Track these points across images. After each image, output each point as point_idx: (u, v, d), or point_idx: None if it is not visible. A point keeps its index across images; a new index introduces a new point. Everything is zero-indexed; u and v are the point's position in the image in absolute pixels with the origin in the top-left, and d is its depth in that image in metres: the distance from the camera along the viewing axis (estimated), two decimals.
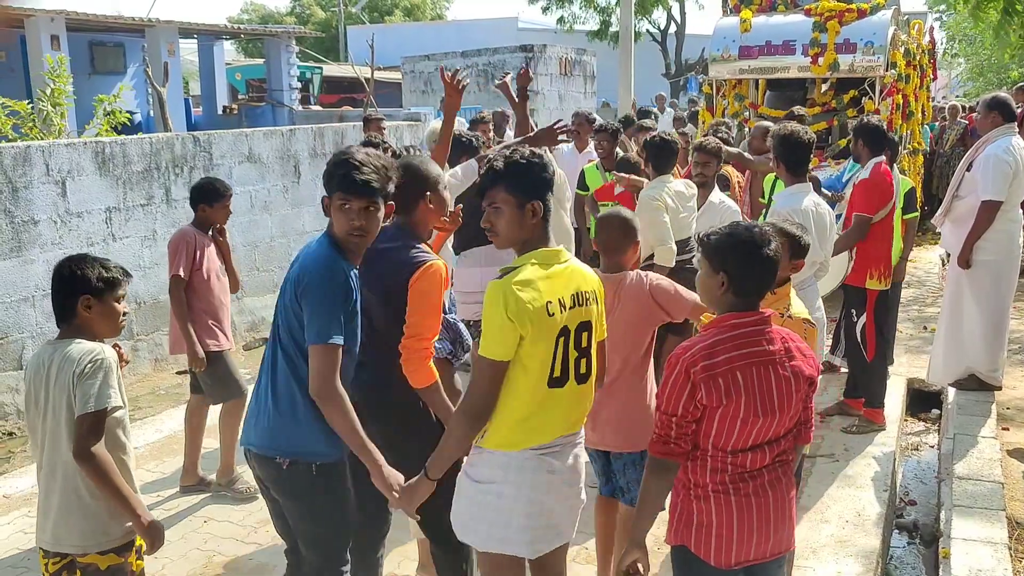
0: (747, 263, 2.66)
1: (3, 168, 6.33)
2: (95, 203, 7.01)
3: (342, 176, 2.88)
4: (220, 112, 20.47)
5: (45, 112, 8.66)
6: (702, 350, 2.62)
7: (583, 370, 2.87)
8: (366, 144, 6.93)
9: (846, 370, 6.34)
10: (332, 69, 26.46)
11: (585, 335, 2.85)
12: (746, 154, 6.45)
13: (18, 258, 6.45)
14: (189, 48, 22.22)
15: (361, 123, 8.78)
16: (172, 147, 7.68)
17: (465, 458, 2.91)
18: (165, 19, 16.69)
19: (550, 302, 2.70)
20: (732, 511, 2.66)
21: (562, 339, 2.76)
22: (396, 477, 2.91)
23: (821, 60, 9.44)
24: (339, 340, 2.85)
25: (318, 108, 22.02)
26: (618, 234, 3.67)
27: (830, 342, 6.96)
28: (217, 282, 5.11)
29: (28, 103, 9.15)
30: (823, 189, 6.84)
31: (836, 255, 5.66)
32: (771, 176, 6.33)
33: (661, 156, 5.57)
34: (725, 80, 10.16)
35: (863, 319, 5.80)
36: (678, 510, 2.76)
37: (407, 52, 18.96)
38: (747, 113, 10.12)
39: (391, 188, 2.99)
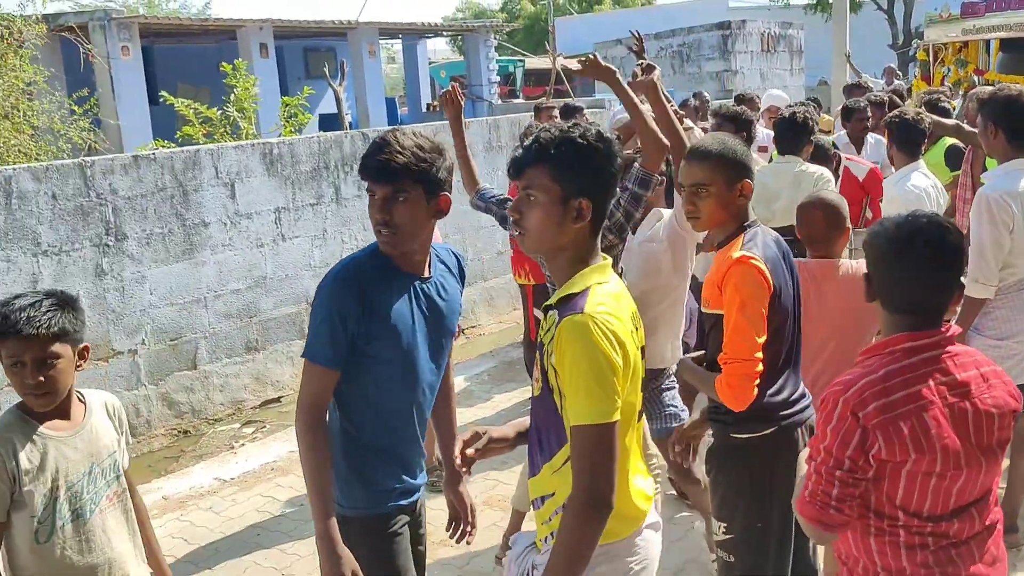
0: (890, 268, 2.06)
1: (174, 172, 6.45)
2: (264, 204, 7.04)
3: (363, 160, 2.36)
4: (424, 110, 20.86)
5: (232, 118, 8.89)
6: (871, 385, 1.98)
7: (639, 407, 2.26)
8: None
9: None
10: (534, 62, 26.40)
11: (641, 363, 2.22)
12: (965, 126, 5.45)
13: (190, 260, 6.55)
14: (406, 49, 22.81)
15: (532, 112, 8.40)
16: (341, 145, 7.62)
17: None
18: (365, 20, 17.13)
19: (633, 330, 2.12)
20: None
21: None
22: (347, 561, 2.36)
23: None
24: (318, 359, 2.40)
25: (519, 101, 21.99)
26: (821, 224, 3.40)
27: None
28: None
29: (218, 110, 9.48)
30: None
31: None
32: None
33: None
34: (945, 44, 8.92)
35: None
36: None
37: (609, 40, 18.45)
38: (975, 80, 8.84)
39: (439, 173, 2.39)
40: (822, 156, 5.38)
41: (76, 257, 5.86)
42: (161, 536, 4.82)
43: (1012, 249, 3.80)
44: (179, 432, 6.48)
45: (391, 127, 2.61)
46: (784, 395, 2.76)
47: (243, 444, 6.22)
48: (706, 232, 3.05)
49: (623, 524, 2.13)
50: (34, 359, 2.38)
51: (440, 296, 2.56)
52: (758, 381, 2.62)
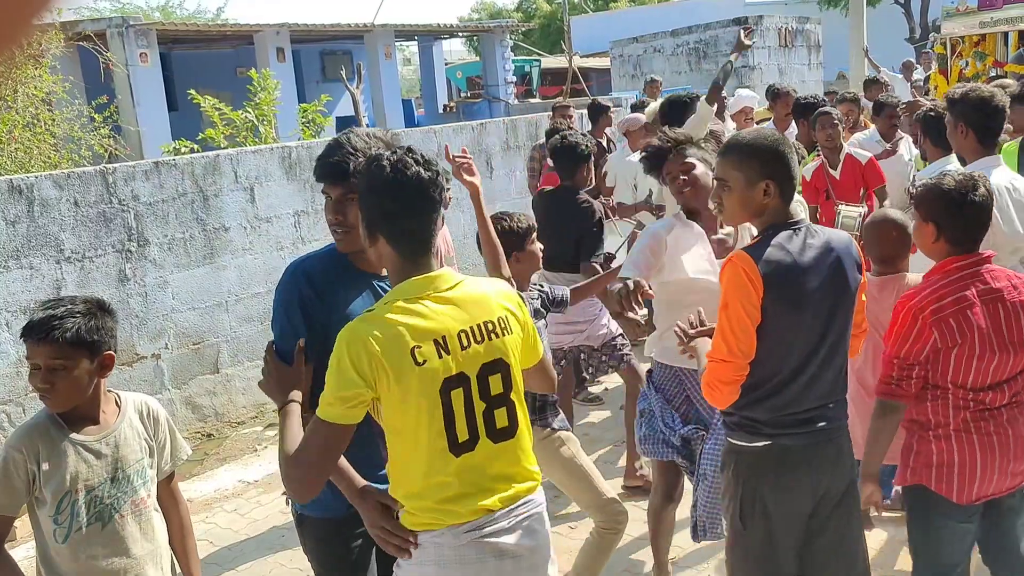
0: (953, 212, 2.78)
1: (194, 177, 6.51)
2: (283, 207, 7.09)
3: (317, 162, 2.42)
4: (441, 111, 20.92)
5: (251, 123, 8.96)
6: (929, 295, 2.76)
7: (502, 423, 2.17)
8: (551, 132, 6.57)
9: None
10: (550, 61, 26.42)
11: (496, 379, 2.16)
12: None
13: (211, 265, 6.61)
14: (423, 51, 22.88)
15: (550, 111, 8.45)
16: None
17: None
18: (381, 23, 17.19)
19: (418, 347, 2.06)
20: (975, 449, 2.76)
21: (457, 391, 2.10)
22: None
23: None
24: (287, 358, 2.42)
25: (536, 100, 22.01)
26: (897, 243, 3.51)
27: None
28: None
29: (243, 113, 9.55)
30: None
31: None
32: (1012, 146, 5.29)
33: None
34: (963, 37, 8.86)
35: None
36: (914, 451, 2.87)
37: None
38: (993, 73, 8.78)
39: None
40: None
41: (99, 263, 5.92)
42: None
43: (994, 243, 3.81)
44: (203, 435, 6.54)
45: (352, 128, 2.63)
46: (787, 410, 2.55)
47: (266, 447, 6.27)
48: None
49: (432, 514, 2.14)
50: (45, 364, 2.45)
51: None
52: (739, 384, 2.52)
